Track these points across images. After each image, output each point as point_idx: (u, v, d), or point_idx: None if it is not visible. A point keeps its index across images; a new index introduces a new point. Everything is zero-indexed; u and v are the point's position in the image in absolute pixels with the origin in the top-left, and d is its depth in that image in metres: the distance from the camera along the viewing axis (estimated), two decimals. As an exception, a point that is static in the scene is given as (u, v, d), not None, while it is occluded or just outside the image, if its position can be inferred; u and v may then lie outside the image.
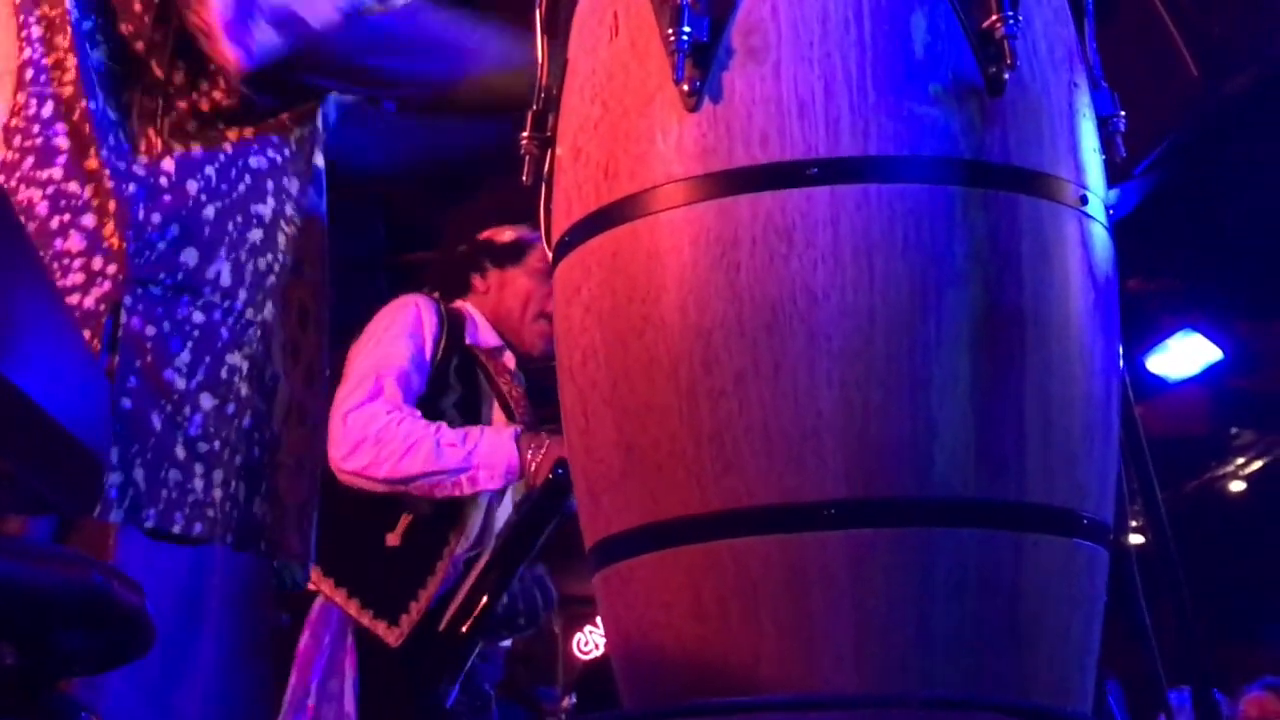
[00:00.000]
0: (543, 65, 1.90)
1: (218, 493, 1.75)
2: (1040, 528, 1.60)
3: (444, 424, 3.19)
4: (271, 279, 1.83)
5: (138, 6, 1.81)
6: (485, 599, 3.15)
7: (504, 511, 3.46)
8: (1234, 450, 8.60)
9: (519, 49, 1.94)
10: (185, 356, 1.75)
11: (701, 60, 1.65)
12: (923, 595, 1.56)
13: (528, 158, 1.88)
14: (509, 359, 3.46)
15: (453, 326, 3.38)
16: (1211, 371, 6.66)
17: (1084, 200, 1.69)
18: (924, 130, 1.62)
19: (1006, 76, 1.62)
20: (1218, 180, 5.08)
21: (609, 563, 1.72)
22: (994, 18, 1.62)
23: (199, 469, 1.74)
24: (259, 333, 1.82)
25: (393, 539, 3.23)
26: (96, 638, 1.36)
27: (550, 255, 1.86)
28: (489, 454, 3.16)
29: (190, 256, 1.76)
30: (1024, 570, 1.59)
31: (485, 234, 3.55)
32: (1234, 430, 8.20)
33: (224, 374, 1.78)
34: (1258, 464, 8.85)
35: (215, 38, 1.74)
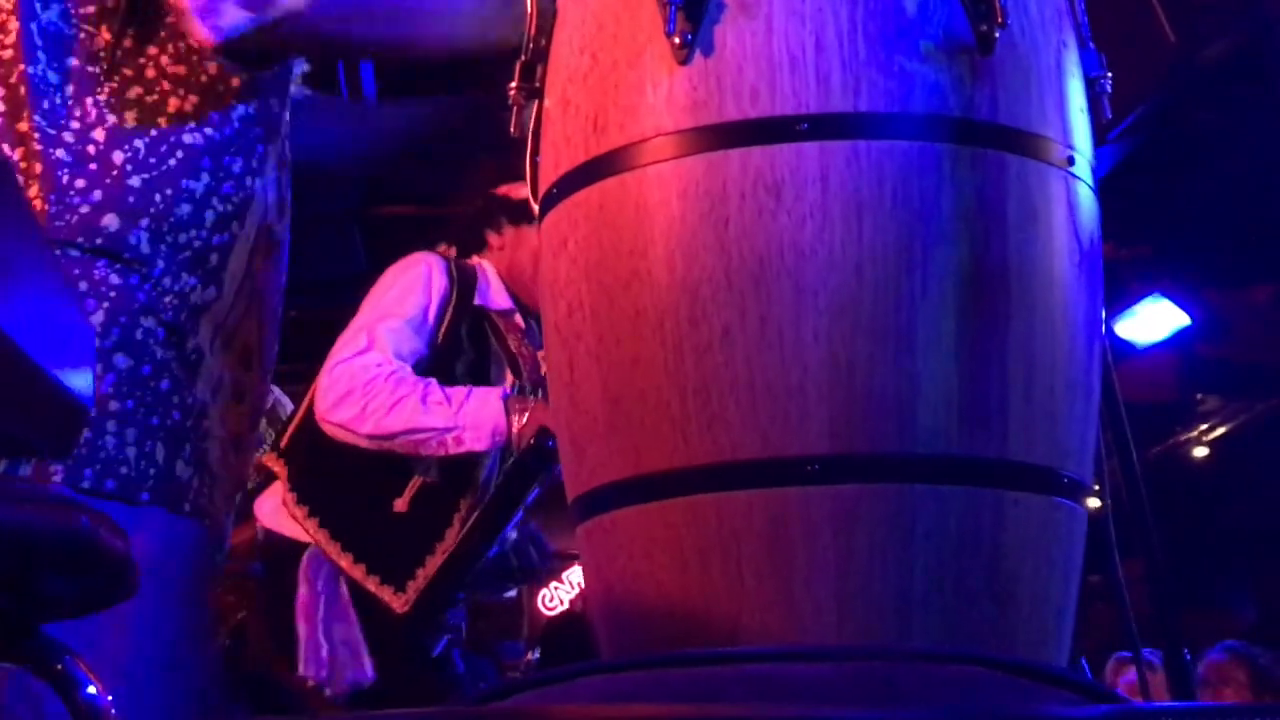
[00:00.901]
0: (531, 16, 1.89)
1: (131, 450, 1.74)
2: (1021, 485, 1.62)
3: (433, 381, 3.18)
4: (193, 253, 1.82)
5: None
6: (470, 551, 3.16)
7: None
8: (1199, 416, 8.66)
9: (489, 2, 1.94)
10: (99, 316, 1.75)
11: (693, 13, 1.65)
12: (904, 550, 1.57)
13: (514, 109, 1.88)
14: (520, 319, 3.44)
15: (463, 287, 3.35)
16: (1179, 337, 6.70)
17: (1071, 160, 1.69)
18: (914, 87, 1.62)
19: (997, 35, 1.62)
20: (1190, 147, 5.09)
21: (592, 514, 1.73)
22: (985, -25, 1.62)
23: (110, 426, 1.74)
24: (176, 302, 1.81)
25: (400, 505, 3.22)
26: (81, 582, 1.36)
27: (536, 207, 1.86)
28: (475, 414, 3.15)
29: (111, 222, 1.76)
30: (1005, 527, 1.61)
31: (501, 189, 3.52)
32: (1199, 396, 8.26)
33: (139, 335, 1.77)
34: (1221, 430, 8.92)
35: (185, 16, 1.74)
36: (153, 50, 1.82)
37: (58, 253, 1.72)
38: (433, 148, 2.40)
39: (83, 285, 1.74)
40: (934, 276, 1.59)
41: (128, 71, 1.80)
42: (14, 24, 1.79)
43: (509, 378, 3.36)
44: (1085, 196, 1.72)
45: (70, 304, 1.63)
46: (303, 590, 3.23)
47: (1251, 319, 6.73)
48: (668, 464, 1.63)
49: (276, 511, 3.20)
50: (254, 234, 1.93)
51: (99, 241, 1.75)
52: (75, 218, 1.74)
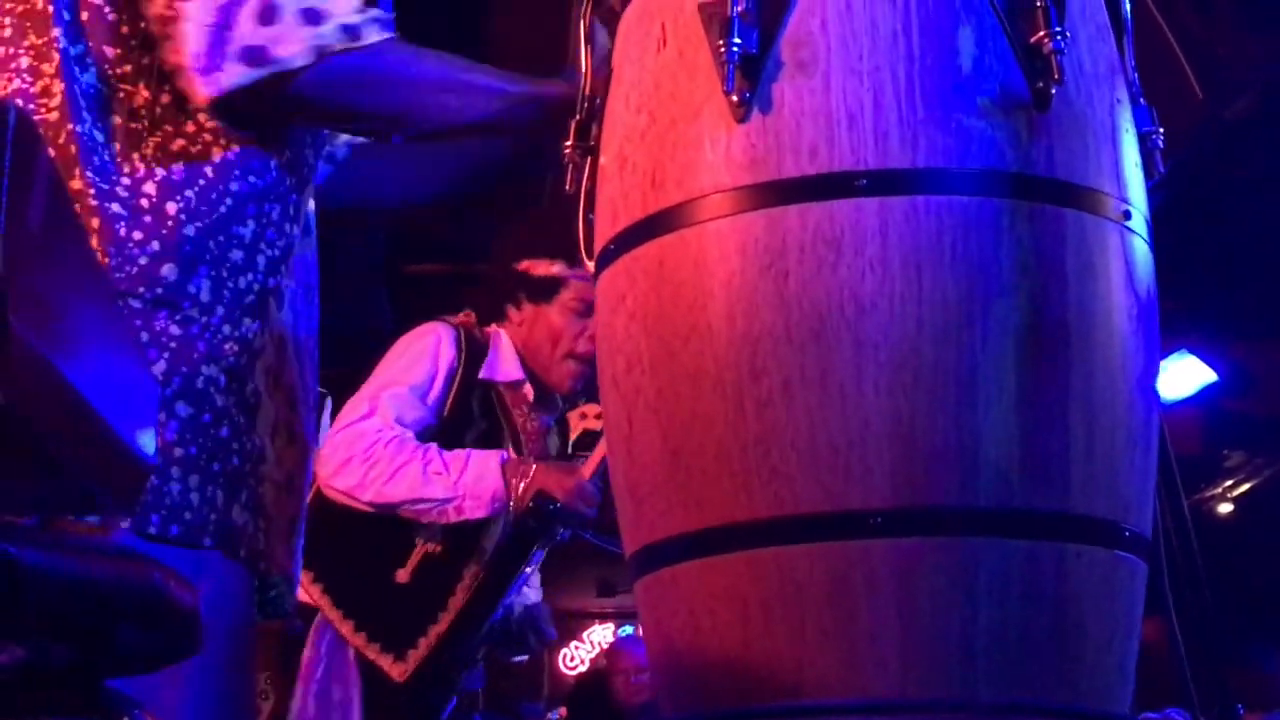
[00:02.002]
0: (585, 76, 1.92)
1: (194, 497, 1.77)
2: (1084, 538, 1.62)
3: (434, 446, 3.19)
4: (251, 298, 1.85)
5: (125, 30, 1.83)
6: (472, 616, 3.17)
7: None
8: (1224, 472, 8.64)
9: (502, 80, 1.97)
10: (161, 365, 1.77)
11: (751, 71, 1.67)
12: (967, 603, 1.57)
13: (570, 166, 1.90)
14: (528, 391, 3.45)
15: (471, 358, 3.37)
16: (1206, 393, 6.69)
17: (1127, 215, 1.71)
18: (971, 143, 1.63)
19: (1053, 91, 1.64)
20: (1217, 203, 5.11)
21: (651, 569, 1.73)
22: (1041, 33, 1.64)
23: (175, 473, 1.76)
24: (236, 347, 1.83)
25: (403, 575, 3.23)
26: (152, 636, 1.37)
27: (591, 265, 1.87)
28: (475, 483, 3.17)
29: (170, 272, 1.78)
30: (1067, 580, 1.61)
31: (524, 264, 3.53)
32: (1225, 452, 8.24)
33: (199, 384, 1.80)
34: (1246, 486, 8.89)
35: (185, 74, 1.77)
36: (191, 106, 1.85)
37: (119, 304, 1.74)
38: (464, 207, 2.43)
39: (144, 336, 1.76)
40: (994, 330, 1.59)
41: (169, 126, 1.83)
42: (58, 86, 1.81)
43: (510, 444, 3.37)
44: (1141, 250, 1.73)
45: (136, 360, 1.64)
46: (307, 652, 3.25)
47: (1278, 374, 6.72)
48: (729, 517, 1.64)
49: None
50: (299, 278, 1.97)
51: (159, 291, 1.77)
52: (135, 269, 1.77)
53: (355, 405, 3.25)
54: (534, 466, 3.20)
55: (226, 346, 1.82)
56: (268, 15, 1.77)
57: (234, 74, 1.76)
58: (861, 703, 1.56)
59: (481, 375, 3.38)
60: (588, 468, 3.27)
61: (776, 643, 1.61)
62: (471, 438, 3.31)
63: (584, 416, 3.57)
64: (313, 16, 1.79)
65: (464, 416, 3.33)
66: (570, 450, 3.53)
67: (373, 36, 1.84)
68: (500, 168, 2.32)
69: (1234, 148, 4.72)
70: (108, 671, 1.36)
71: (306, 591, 3.17)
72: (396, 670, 3.14)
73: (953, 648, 1.57)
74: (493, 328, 3.48)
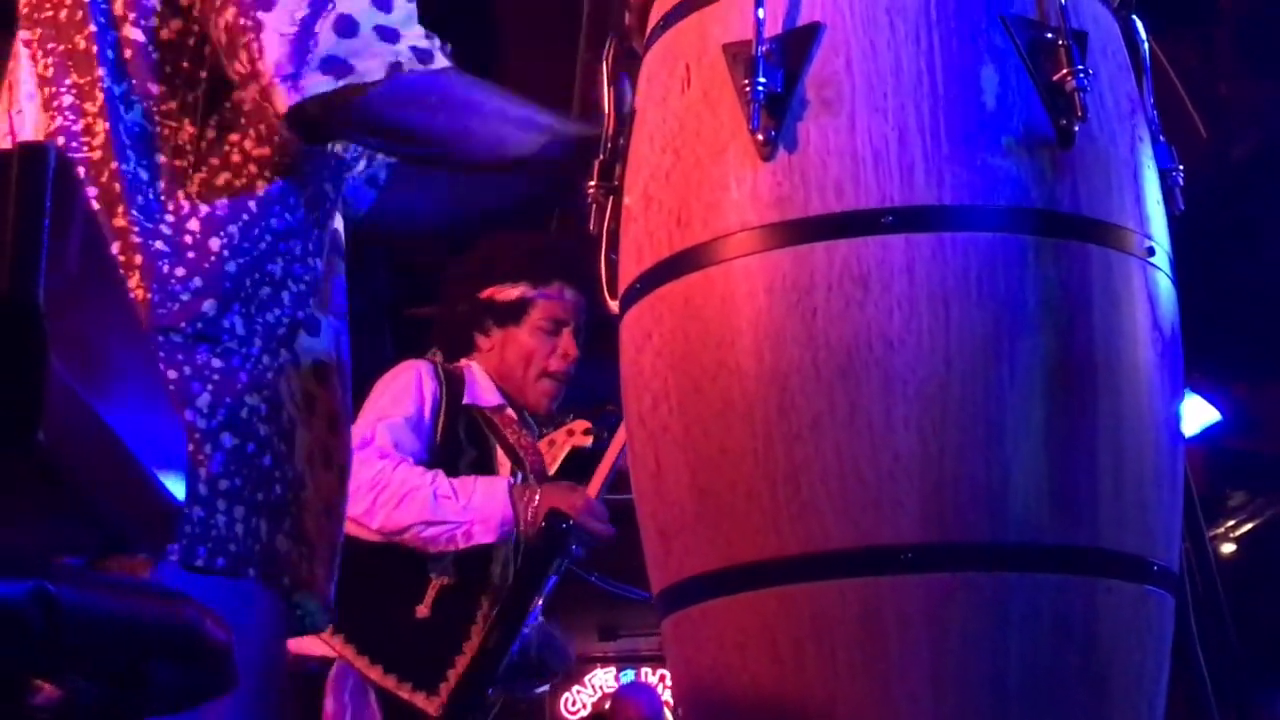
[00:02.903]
0: (609, 117, 1.93)
1: (240, 528, 1.78)
2: (1113, 573, 1.62)
3: (440, 472, 3.19)
4: (282, 331, 1.87)
5: (168, 68, 1.84)
6: (494, 648, 3.16)
7: None
8: (1227, 512, 8.63)
9: (541, 116, 1.98)
10: (205, 398, 1.79)
11: (776, 110, 1.68)
12: (999, 639, 1.58)
13: (594, 206, 1.91)
14: (511, 412, 3.47)
15: (451, 388, 3.39)
16: (1208, 433, 6.70)
17: (1150, 251, 1.72)
18: (997, 180, 1.64)
19: (1076, 129, 1.65)
20: (1221, 243, 5.13)
21: (680, 607, 1.73)
22: (1064, 71, 1.66)
23: (221, 505, 1.77)
24: (273, 377, 1.85)
25: (422, 610, 3.23)
26: (186, 674, 1.37)
27: (615, 304, 1.88)
28: (482, 507, 3.17)
29: (210, 307, 1.80)
30: (1098, 615, 1.61)
31: (487, 291, 3.54)
32: (1227, 491, 8.24)
33: (243, 414, 1.81)
34: (1248, 526, 8.88)
35: (266, 82, 1.78)
36: (235, 137, 1.87)
37: (161, 339, 1.75)
38: (498, 214, 2.48)
39: (187, 370, 1.77)
40: (1022, 365, 1.60)
41: (214, 160, 1.85)
42: (100, 125, 1.83)
43: (503, 468, 3.37)
44: (1165, 287, 1.74)
45: (166, 402, 1.65)
46: (329, 703, 3.24)
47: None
48: (759, 554, 1.64)
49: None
50: (328, 308, 1.98)
51: (200, 326, 1.79)
52: (177, 305, 1.78)
53: (352, 437, 3.25)
54: (540, 489, 3.20)
55: (267, 377, 1.83)
56: (347, 28, 1.79)
57: (315, 82, 1.77)
58: (893, 739, 1.56)
59: (465, 401, 3.39)
60: (594, 486, 3.26)
61: (808, 679, 1.61)
62: (464, 465, 3.32)
63: (571, 433, 3.58)
64: (389, 34, 1.81)
65: (454, 446, 3.34)
66: (557, 472, 3.53)
67: (441, 62, 1.86)
68: (528, 199, 2.34)
69: (1239, 189, 4.75)
70: (142, 710, 1.36)
71: (326, 643, 3.15)
72: (432, 705, 3.13)
73: (985, 683, 1.57)
74: (462, 362, 3.49)
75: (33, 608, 1.11)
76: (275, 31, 1.77)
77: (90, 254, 1.18)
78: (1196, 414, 6.55)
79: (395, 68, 1.81)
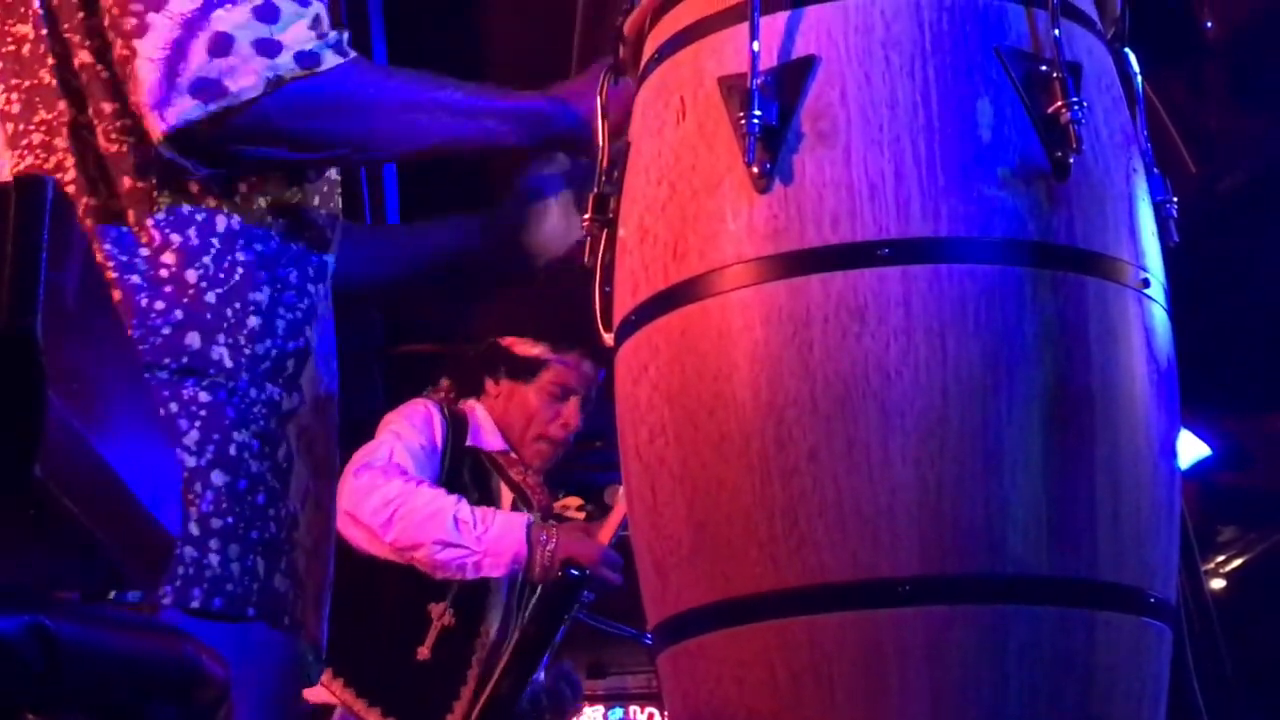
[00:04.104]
0: (602, 150, 1.93)
1: (235, 567, 1.75)
2: (1112, 605, 1.62)
3: (463, 498, 3.18)
4: (268, 364, 1.84)
5: (120, 86, 1.81)
6: (505, 696, 3.14)
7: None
8: (1217, 547, 8.63)
9: (477, 98, 1.94)
10: (194, 435, 1.76)
11: (771, 143, 1.68)
12: (997, 671, 1.57)
13: (589, 239, 1.91)
14: (514, 455, 3.47)
15: (456, 429, 3.39)
16: (1198, 468, 6.69)
17: (1145, 283, 1.72)
18: (993, 212, 1.65)
19: (1072, 161, 1.65)
20: (1209, 277, 5.14)
21: (676, 640, 1.73)
22: (1059, 103, 1.66)
23: (214, 544, 1.75)
24: (265, 410, 1.83)
25: (423, 652, 3.22)
26: (183, 711, 1.36)
27: (609, 337, 1.88)
28: (497, 541, 3.16)
29: (194, 340, 1.78)
30: (1097, 647, 1.61)
31: (506, 340, 3.54)
32: (1217, 527, 8.24)
33: (233, 451, 1.79)
34: (1238, 561, 8.87)
35: (143, 111, 1.75)
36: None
37: (147, 375, 1.73)
38: (452, 281, 2.40)
39: (173, 406, 1.75)
40: (1019, 397, 1.60)
41: (175, 181, 1.81)
42: (70, 161, 1.81)
43: (504, 506, 3.37)
44: (1160, 318, 1.75)
45: (161, 435, 1.64)
46: None
47: (1271, 447, 6.74)
48: (756, 587, 1.63)
49: None
50: (322, 344, 1.95)
51: (185, 360, 1.76)
52: (160, 339, 1.76)
53: (368, 452, 3.24)
54: (556, 533, 3.18)
55: (255, 410, 1.80)
56: (221, 47, 1.73)
57: (185, 107, 1.72)
58: (893, 773, 1.56)
59: (469, 443, 3.39)
60: (605, 533, 3.26)
61: (806, 713, 1.60)
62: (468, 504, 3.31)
63: (565, 509, 3.58)
64: (267, 47, 1.76)
65: (458, 485, 3.34)
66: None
67: (330, 61, 1.80)
68: (476, 258, 2.28)
69: (1226, 222, 4.76)
70: (138, 748, 1.35)
71: (327, 689, 3.14)
72: None
73: (984, 715, 1.57)
74: (468, 403, 3.49)
75: (30, 643, 1.10)
76: (147, 58, 1.73)
77: (87, 287, 1.18)
78: (1187, 449, 6.55)
79: (275, 82, 1.75)
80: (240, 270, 1.83)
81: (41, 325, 0.99)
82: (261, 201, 1.88)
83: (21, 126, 1.84)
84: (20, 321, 0.98)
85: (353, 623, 3.14)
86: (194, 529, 1.73)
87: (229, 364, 1.80)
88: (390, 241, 2.38)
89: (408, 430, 3.33)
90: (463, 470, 3.37)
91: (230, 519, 1.76)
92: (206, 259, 1.81)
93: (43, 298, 1.01)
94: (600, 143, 1.93)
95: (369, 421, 3.59)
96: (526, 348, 3.50)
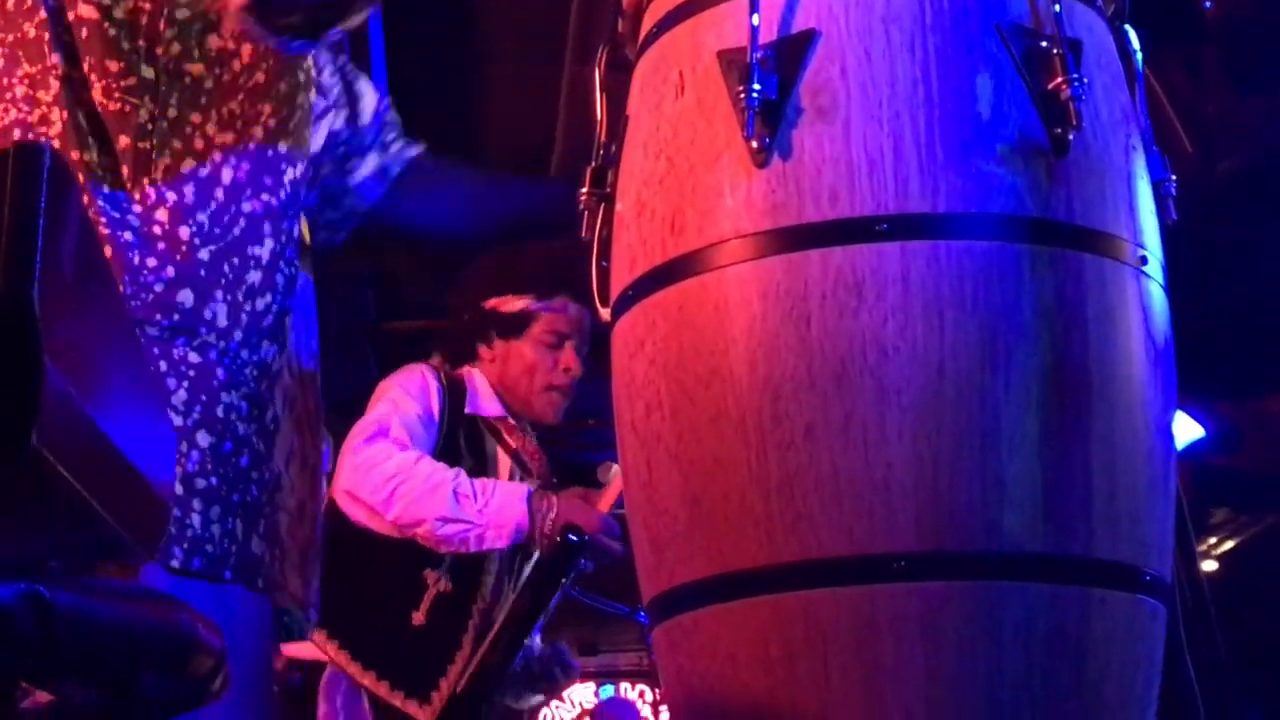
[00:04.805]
0: (601, 123, 1.92)
1: (215, 528, 1.75)
2: (1106, 583, 1.62)
3: (462, 471, 3.18)
4: (269, 320, 1.84)
5: (125, 44, 1.81)
6: (498, 662, 3.14)
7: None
8: (1209, 529, 8.64)
9: None
10: (182, 395, 1.76)
11: (770, 118, 1.68)
12: (992, 648, 1.57)
13: (586, 213, 1.90)
14: (512, 421, 3.46)
15: (454, 396, 3.38)
16: (1192, 449, 6.69)
17: (1143, 260, 1.72)
18: (992, 189, 1.64)
19: (1071, 137, 1.65)
20: (1206, 260, 5.14)
21: (671, 615, 1.72)
22: (1059, 80, 1.66)
23: (197, 505, 1.74)
24: (256, 373, 1.82)
25: (418, 617, 3.21)
26: (179, 681, 1.35)
27: (606, 311, 1.87)
28: (500, 512, 3.14)
29: (186, 298, 1.77)
30: (1091, 625, 1.61)
31: (490, 302, 3.53)
32: (1210, 509, 8.24)
33: (220, 412, 1.78)
34: (1230, 544, 8.88)
35: None
36: (196, 118, 1.83)
37: (138, 336, 1.72)
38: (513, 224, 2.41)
39: (162, 364, 1.74)
40: (1016, 374, 1.60)
41: (177, 144, 1.81)
42: (57, 114, 1.79)
43: (502, 477, 3.36)
44: (1157, 296, 1.74)
45: (157, 403, 1.63)
46: (321, 708, 3.22)
47: (1264, 430, 6.74)
48: (752, 562, 1.63)
49: None
50: (307, 301, 1.95)
51: (176, 318, 1.75)
52: (151, 296, 1.75)
53: (365, 426, 3.23)
54: (556, 500, 3.18)
55: (246, 373, 1.80)
56: None
57: None
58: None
59: (467, 410, 3.38)
60: (606, 501, 3.25)
61: (800, 688, 1.60)
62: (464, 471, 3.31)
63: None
64: None
65: (453, 453, 3.32)
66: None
67: None
68: (550, 211, 2.29)
69: (1224, 205, 4.75)
70: (140, 717, 1.35)
71: (320, 649, 3.14)
72: (424, 714, 3.11)
73: (978, 692, 1.57)
74: (465, 369, 3.48)
75: (25, 611, 1.10)
76: None
77: (84, 255, 1.17)
78: (1180, 430, 6.54)
79: None
80: (242, 223, 1.83)
81: (39, 294, 0.99)
82: (279, 148, 1.87)
83: (6, 80, 1.83)
84: (17, 292, 0.98)
85: (348, 587, 3.14)
86: (179, 489, 1.73)
87: (224, 322, 1.79)
88: (463, 191, 2.37)
89: (404, 399, 3.31)
90: (458, 437, 3.36)
91: (214, 480, 1.75)
92: (203, 215, 1.80)
93: (40, 267, 1.01)
94: (599, 118, 1.93)
95: (360, 399, 3.58)
96: (513, 304, 3.49)
